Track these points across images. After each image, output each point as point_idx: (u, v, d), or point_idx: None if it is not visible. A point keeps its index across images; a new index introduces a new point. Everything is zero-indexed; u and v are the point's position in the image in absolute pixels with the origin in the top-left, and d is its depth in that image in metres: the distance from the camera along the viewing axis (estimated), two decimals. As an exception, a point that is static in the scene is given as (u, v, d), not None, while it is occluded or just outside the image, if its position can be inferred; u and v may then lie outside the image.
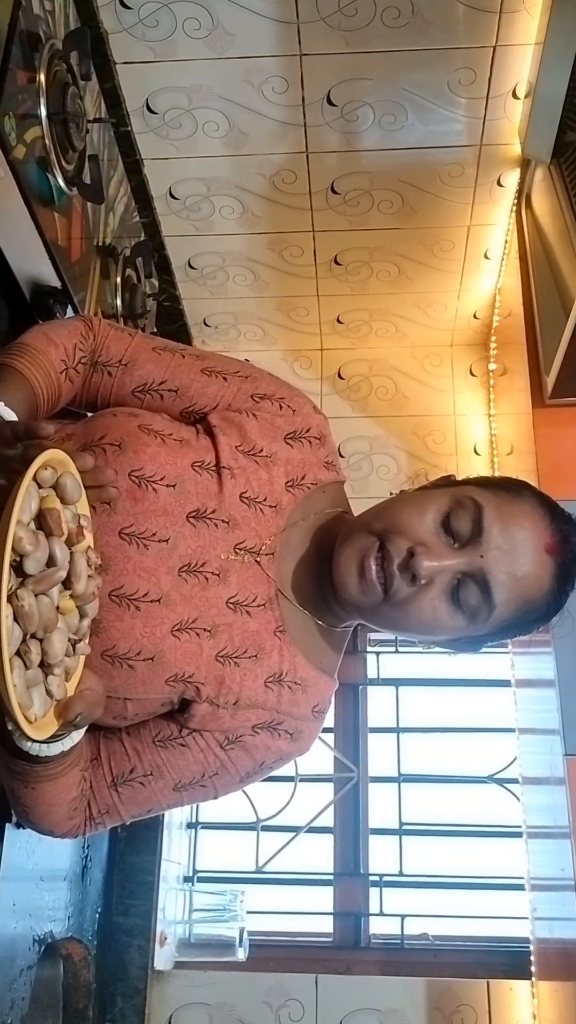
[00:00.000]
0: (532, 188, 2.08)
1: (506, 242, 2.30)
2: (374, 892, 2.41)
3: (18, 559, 0.67)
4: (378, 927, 2.39)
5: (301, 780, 2.43)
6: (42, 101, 1.45)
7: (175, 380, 0.98)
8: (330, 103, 1.94)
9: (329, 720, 1.03)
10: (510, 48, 1.82)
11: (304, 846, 2.46)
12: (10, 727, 0.73)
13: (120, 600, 0.88)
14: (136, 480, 0.89)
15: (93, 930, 2.06)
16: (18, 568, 0.67)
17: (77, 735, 0.83)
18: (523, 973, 2.13)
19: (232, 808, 2.49)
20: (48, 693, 0.73)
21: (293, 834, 2.45)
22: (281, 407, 0.99)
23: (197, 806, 2.50)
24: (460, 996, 2.15)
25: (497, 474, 2.50)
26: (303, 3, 1.75)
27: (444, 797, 2.51)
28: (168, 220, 2.26)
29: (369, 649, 2.59)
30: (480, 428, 2.65)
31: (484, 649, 0.98)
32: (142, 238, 2.13)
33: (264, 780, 1.00)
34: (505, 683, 2.34)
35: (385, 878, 2.42)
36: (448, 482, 0.97)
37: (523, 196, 2.13)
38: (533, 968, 2.08)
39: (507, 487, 0.93)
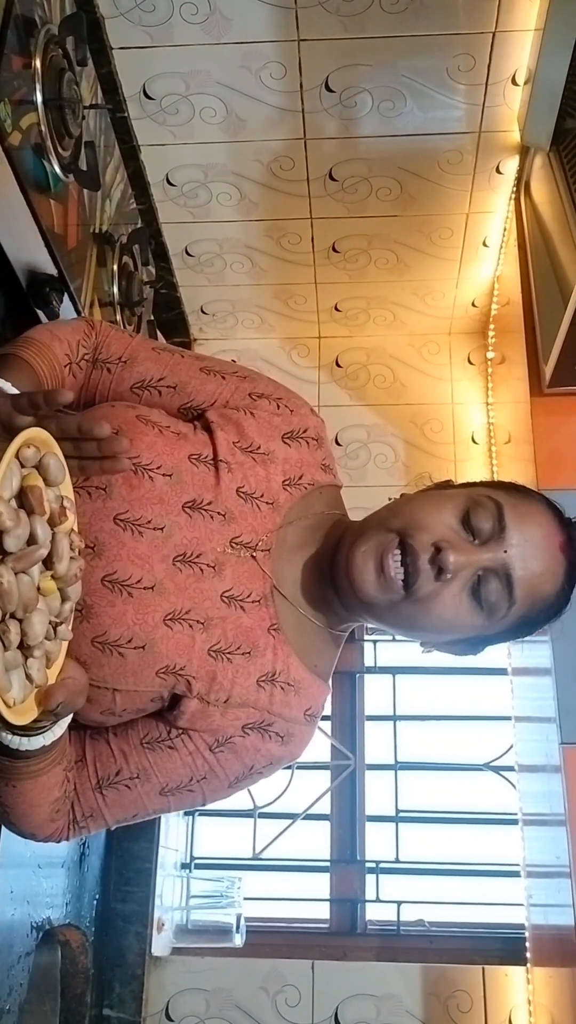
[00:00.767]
0: (531, 175, 2.07)
1: (505, 230, 2.29)
2: (370, 879, 2.43)
3: None
4: (374, 913, 2.41)
5: (298, 767, 2.43)
6: (38, 87, 1.43)
7: (173, 377, 0.98)
8: (328, 89, 1.93)
9: (326, 708, 1.02)
10: (510, 34, 1.80)
11: (301, 833, 2.47)
12: None
13: (113, 585, 0.87)
14: (132, 467, 0.89)
15: (91, 916, 2.08)
16: None
17: (59, 729, 0.81)
18: (518, 959, 2.14)
19: (229, 795, 2.50)
20: (28, 677, 0.71)
21: (290, 821, 2.46)
22: (279, 407, 1.00)
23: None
24: (456, 982, 2.17)
25: (496, 472, 2.53)
26: (301, -12, 1.73)
27: (440, 785, 2.52)
28: (165, 207, 2.25)
29: (366, 637, 2.59)
30: (478, 417, 2.65)
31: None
32: (139, 225, 2.12)
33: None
34: (502, 671, 2.35)
35: (381, 865, 2.43)
36: (451, 484, 0.99)
37: (522, 183, 2.12)
38: (528, 954, 2.10)
39: (516, 489, 0.96)
